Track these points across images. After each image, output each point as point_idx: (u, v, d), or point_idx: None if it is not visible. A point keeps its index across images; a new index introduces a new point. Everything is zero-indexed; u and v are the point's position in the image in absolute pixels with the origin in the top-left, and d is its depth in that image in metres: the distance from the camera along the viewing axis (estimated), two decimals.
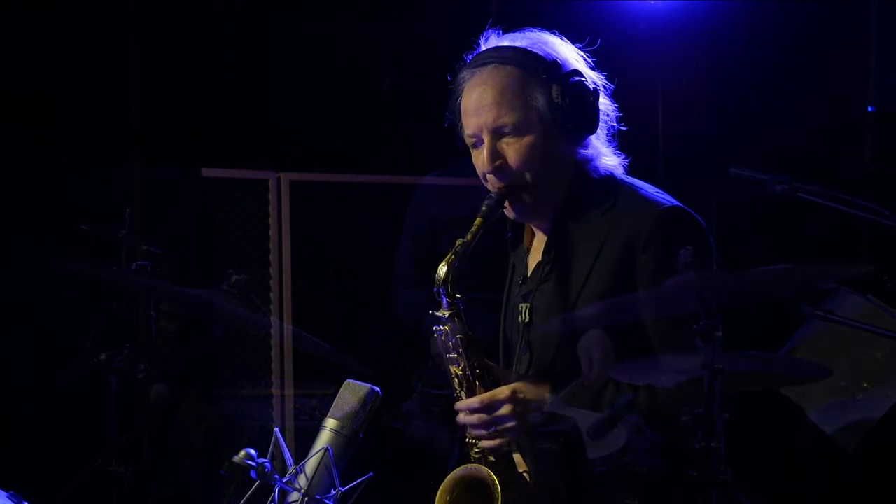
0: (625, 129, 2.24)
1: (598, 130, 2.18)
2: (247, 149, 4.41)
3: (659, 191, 2.19)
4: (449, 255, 2.10)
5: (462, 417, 2.13)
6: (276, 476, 2.04)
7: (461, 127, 2.20)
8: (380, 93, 4.82)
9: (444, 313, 2.12)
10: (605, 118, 2.20)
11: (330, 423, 2.15)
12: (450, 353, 2.15)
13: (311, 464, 2.09)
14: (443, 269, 2.10)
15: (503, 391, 2.08)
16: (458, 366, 2.14)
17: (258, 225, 4.09)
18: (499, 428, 2.08)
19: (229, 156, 4.24)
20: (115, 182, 3.87)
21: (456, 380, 2.16)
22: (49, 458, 3.61)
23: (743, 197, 4.85)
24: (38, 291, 3.69)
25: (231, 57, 4.43)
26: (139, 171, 3.94)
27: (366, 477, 2.07)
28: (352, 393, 2.19)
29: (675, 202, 2.14)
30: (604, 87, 2.20)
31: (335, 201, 4.24)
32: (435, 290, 2.11)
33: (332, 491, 2.07)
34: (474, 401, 2.10)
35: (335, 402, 2.19)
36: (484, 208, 2.13)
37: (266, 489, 2.05)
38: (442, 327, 2.13)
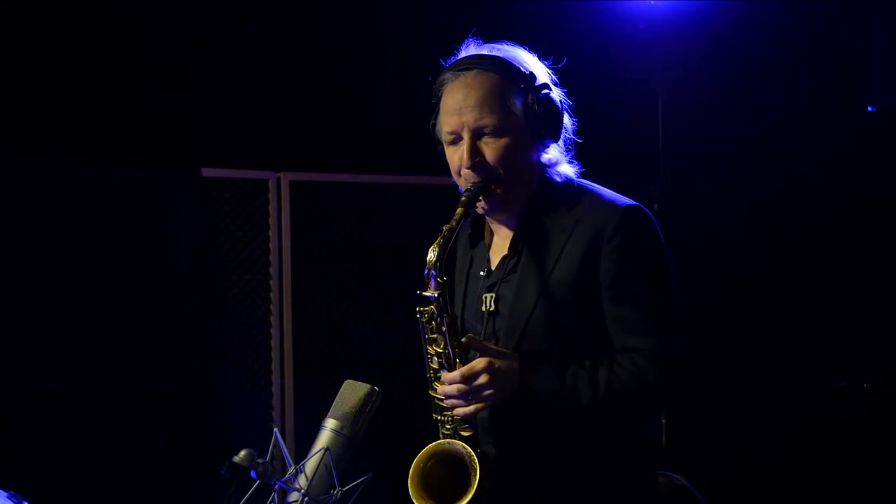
0: (581, 141, 2.44)
1: (559, 140, 2.39)
2: (247, 149, 4.41)
3: (616, 193, 2.37)
4: (437, 239, 2.25)
5: (444, 389, 2.25)
6: (277, 476, 2.04)
7: (439, 125, 2.40)
8: (380, 93, 4.82)
9: (432, 293, 2.24)
10: (565, 129, 2.40)
11: (330, 423, 2.15)
12: (432, 332, 2.27)
13: (311, 464, 2.09)
14: (433, 252, 2.24)
15: (480, 362, 2.21)
16: (440, 344, 2.27)
17: (258, 225, 4.09)
18: (476, 396, 2.21)
19: (229, 156, 4.24)
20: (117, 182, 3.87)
21: (435, 358, 2.29)
22: (49, 458, 3.60)
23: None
24: (36, 290, 3.69)
25: (231, 57, 4.43)
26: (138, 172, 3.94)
27: (366, 477, 2.07)
28: (352, 393, 2.19)
29: (635, 201, 2.32)
30: (561, 101, 2.39)
31: (335, 201, 4.24)
32: (425, 271, 2.24)
33: (332, 491, 2.07)
34: (455, 374, 2.23)
35: (335, 402, 2.19)
36: (464, 198, 2.30)
37: (266, 489, 2.05)
38: (426, 307, 2.26)
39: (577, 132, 2.44)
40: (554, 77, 2.40)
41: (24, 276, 3.65)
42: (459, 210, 2.28)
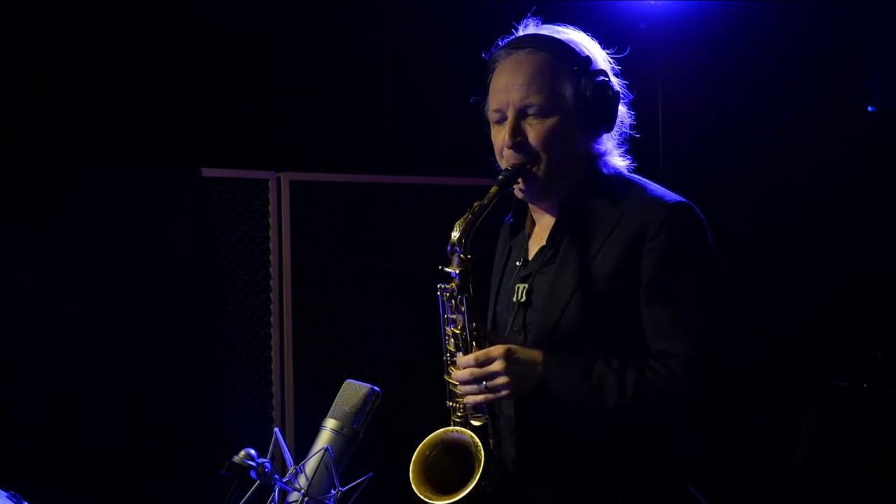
0: (637, 136, 2.35)
1: (613, 131, 2.29)
2: (247, 149, 4.41)
3: (665, 188, 2.27)
4: (465, 215, 2.17)
5: (457, 373, 2.18)
6: (276, 476, 2.04)
7: (487, 103, 2.30)
8: (380, 93, 4.82)
9: (454, 269, 2.17)
10: (620, 121, 2.31)
11: (330, 423, 2.15)
12: (451, 312, 2.20)
13: (311, 464, 2.09)
14: (459, 228, 2.17)
15: (498, 348, 2.14)
16: (457, 325, 2.20)
17: (258, 225, 4.09)
18: (489, 384, 2.13)
19: (229, 156, 4.24)
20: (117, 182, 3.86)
21: (452, 340, 2.22)
22: (49, 458, 3.60)
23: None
24: (36, 290, 3.69)
25: (231, 56, 4.43)
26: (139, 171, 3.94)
27: (366, 477, 2.07)
28: (352, 393, 2.19)
29: (683, 198, 2.22)
30: (622, 94, 2.31)
31: (335, 201, 4.24)
32: (448, 248, 2.17)
33: (332, 491, 2.07)
34: (469, 357, 2.16)
35: (335, 402, 2.19)
36: (500, 177, 2.21)
37: (266, 489, 2.05)
38: (448, 285, 2.19)
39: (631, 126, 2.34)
40: (615, 66, 2.32)
41: (23, 276, 3.65)
42: (494, 189, 2.19)
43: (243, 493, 2.00)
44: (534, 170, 2.22)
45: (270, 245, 4.10)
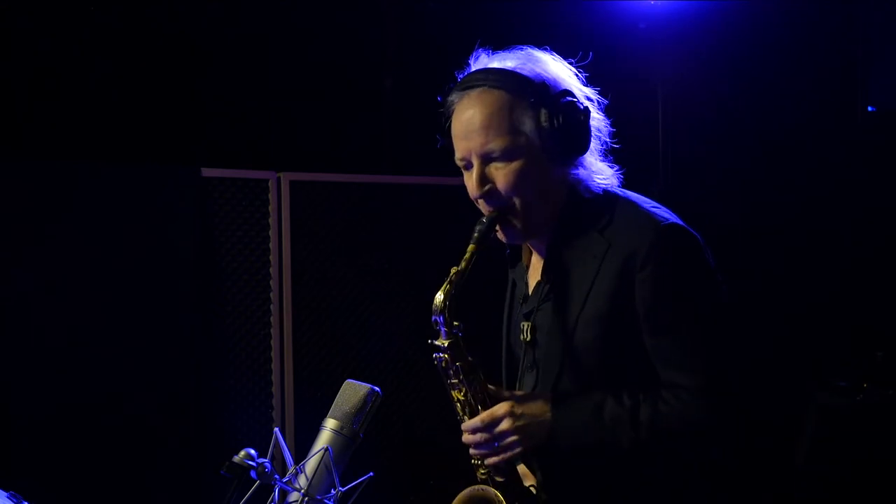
0: (618, 146, 2.24)
1: (591, 148, 2.17)
2: (247, 149, 4.41)
3: (656, 205, 2.17)
4: (444, 285, 2.09)
5: (465, 438, 2.16)
6: (276, 476, 2.04)
7: (453, 147, 2.21)
8: (380, 93, 4.82)
9: (442, 342, 2.13)
10: (598, 134, 2.19)
11: (330, 423, 2.15)
12: (451, 379, 2.17)
13: (311, 464, 2.09)
14: (439, 298, 2.09)
15: (501, 407, 2.11)
16: (460, 391, 2.17)
17: (258, 225, 4.09)
18: (501, 444, 2.11)
19: (229, 156, 4.24)
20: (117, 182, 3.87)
21: (458, 405, 2.19)
22: (49, 458, 3.60)
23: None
24: (36, 290, 3.69)
25: (231, 56, 4.43)
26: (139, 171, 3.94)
27: (366, 477, 2.07)
28: (352, 393, 2.19)
29: (673, 218, 2.12)
30: (597, 101, 2.20)
31: (335, 201, 4.24)
32: (433, 318, 2.11)
33: (332, 491, 2.07)
34: (475, 420, 2.13)
35: (335, 402, 2.19)
36: (475, 234, 2.12)
37: (266, 489, 2.05)
38: (442, 355, 2.14)
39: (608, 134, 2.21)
40: (580, 76, 2.19)
41: (23, 276, 3.65)
42: (470, 248, 2.10)
43: (243, 493, 1.99)
44: (509, 217, 2.13)
45: (270, 245, 4.10)
